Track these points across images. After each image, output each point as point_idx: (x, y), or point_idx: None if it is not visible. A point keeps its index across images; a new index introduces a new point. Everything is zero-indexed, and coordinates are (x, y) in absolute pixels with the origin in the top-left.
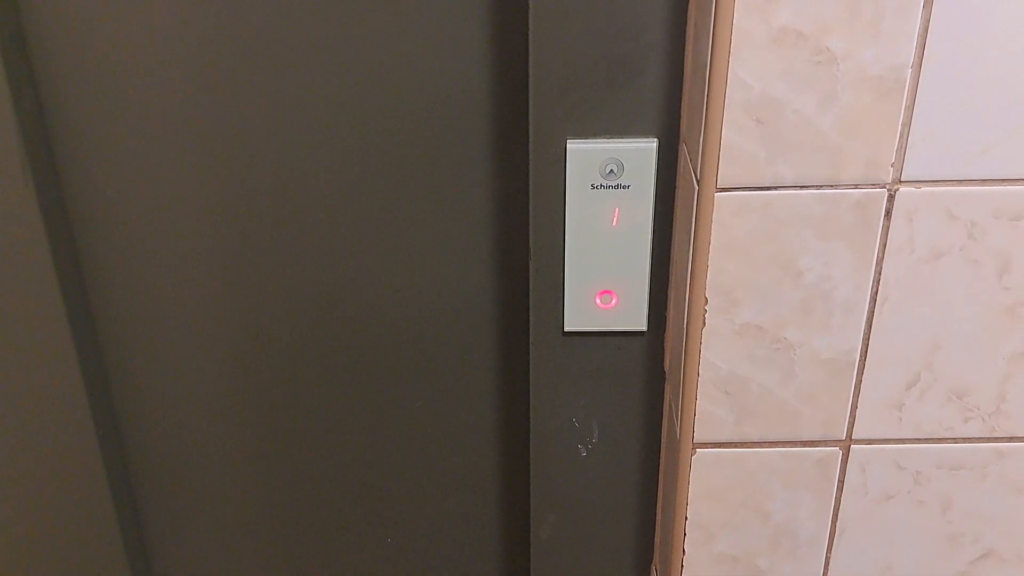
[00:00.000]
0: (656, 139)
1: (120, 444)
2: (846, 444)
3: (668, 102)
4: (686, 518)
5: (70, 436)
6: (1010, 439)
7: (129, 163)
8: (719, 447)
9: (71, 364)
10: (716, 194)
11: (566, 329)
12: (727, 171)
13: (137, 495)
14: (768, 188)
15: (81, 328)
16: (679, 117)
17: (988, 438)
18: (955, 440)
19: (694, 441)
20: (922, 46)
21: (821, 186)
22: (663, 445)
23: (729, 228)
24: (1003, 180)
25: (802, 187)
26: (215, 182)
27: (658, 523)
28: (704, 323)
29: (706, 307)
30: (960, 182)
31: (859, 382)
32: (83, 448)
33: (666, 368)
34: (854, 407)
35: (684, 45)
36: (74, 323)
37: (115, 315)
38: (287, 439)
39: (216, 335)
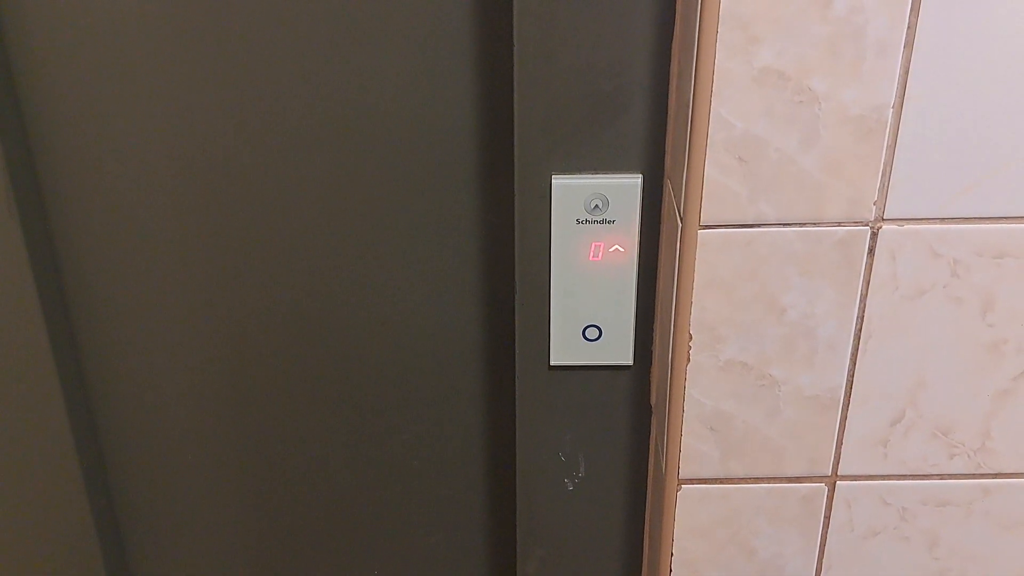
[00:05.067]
0: (641, 175)
1: (101, 464)
2: (832, 480)
3: (653, 138)
4: (672, 555)
5: (47, 441)
6: (996, 475)
7: (111, 175)
8: (704, 483)
9: (48, 367)
10: (699, 231)
11: (552, 363)
12: (710, 209)
13: (117, 517)
14: (751, 226)
15: (58, 334)
16: (664, 153)
17: (974, 475)
18: (941, 476)
19: (679, 477)
20: (903, 86)
21: (804, 224)
22: (649, 480)
23: (712, 265)
24: (985, 218)
25: (785, 225)
26: (199, 214)
27: (645, 559)
28: (688, 359)
29: (690, 343)
30: (943, 220)
31: (844, 418)
32: (60, 456)
33: (652, 403)
34: (839, 443)
35: (668, 82)
36: (51, 328)
37: (93, 324)
38: (269, 476)
39: (196, 367)
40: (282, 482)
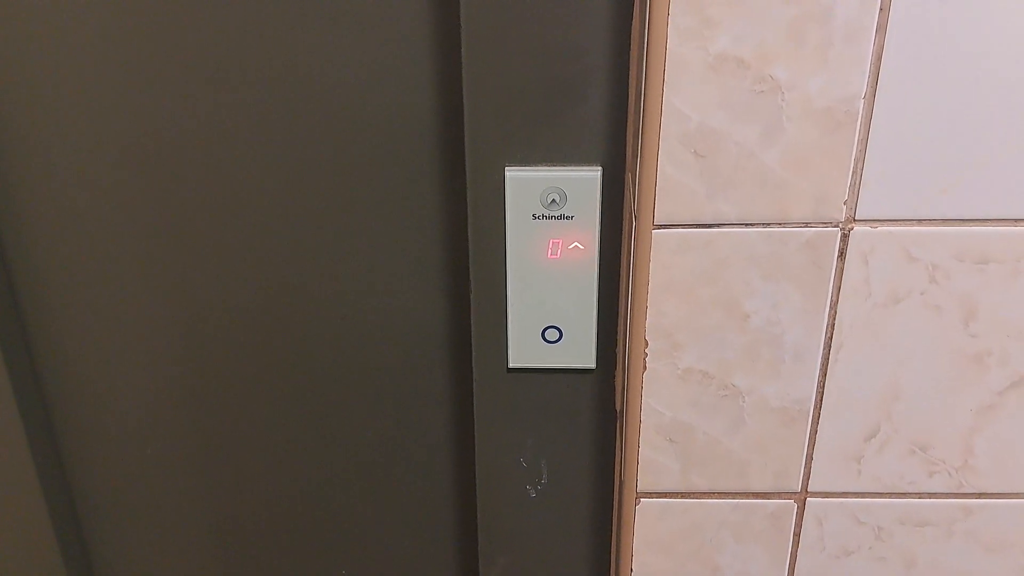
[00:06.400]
0: (600, 167)
1: (62, 479)
2: (801, 497)
3: (613, 128)
4: (632, 570)
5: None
6: (979, 495)
7: (63, 165)
8: (664, 497)
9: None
10: (653, 231)
11: (510, 365)
12: (664, 207)
13: (82, 533)
14: (709, 225)
15: (8, 330)
16: (625, 144)
17: (955, 494)
18: (919, 495)
19: (638, 490)
20: (875, 75)
21: (768, 224)
22: (616, 485)
23: (668, 267)
24: (967, 220)
25: (746, 225)
26: (153, 205)
27: (612, 568)
28: (645, 367)
29: (646, 350)
30: (920, 221)
31: (814, 432)
32: (13, 457)
33: (617, 408)
34: (809, 458)
35: (628, 68)
36: (1, 324)
37: (46, 320)
38: (231, 473)
39: (153, 365)
40: (242, 484)
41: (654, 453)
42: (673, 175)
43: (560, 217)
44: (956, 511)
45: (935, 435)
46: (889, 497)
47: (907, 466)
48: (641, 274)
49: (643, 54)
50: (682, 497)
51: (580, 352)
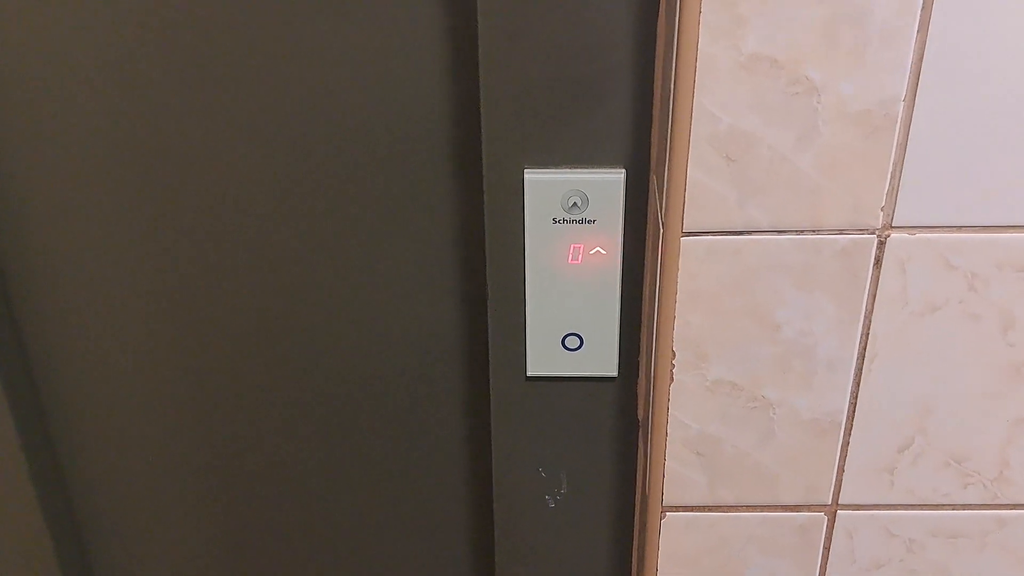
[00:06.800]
0: (624, 169)
1: (65, 499)
2: (832, 510)
3: (637, 128)
4: None
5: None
6: (1014, 507)
7: (57, 160)
8: (690, 511)
9: None
10: (682, 238)
11: (529, 374)
12: (693, 214)
13: (83, 545)
14: (740, 232)
15: (3, 335)
16: (649, 145)
17: (989, 505)
18: (953, 507)
19: (663, 504)
20: (916, 77)
21: (801, 231)
22: (637, 498)
23: (696, 276)
24: (1008, 227)
25: (779, 232)
26: (155, 208)
27: None
28: (672, 378)
29: (673, 361)
30: (959, 228)
31: (846, 444)
32: (7, 464)
33: (639, 417)
34: (840, 470)
35: (654, 65)
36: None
37: (43, 325)
38: (238, 484)
39: (158, 373)
40: (249, 494)
41: (680, 466)
42: (703, 180)
43: (582, 221)
44: (990, 523)
45: (970, 446)
46: (922, 509)
47: (941, 478)
48: (668, 283)
49: (670, 51)
50: (708, 511)
51: (601, 360)
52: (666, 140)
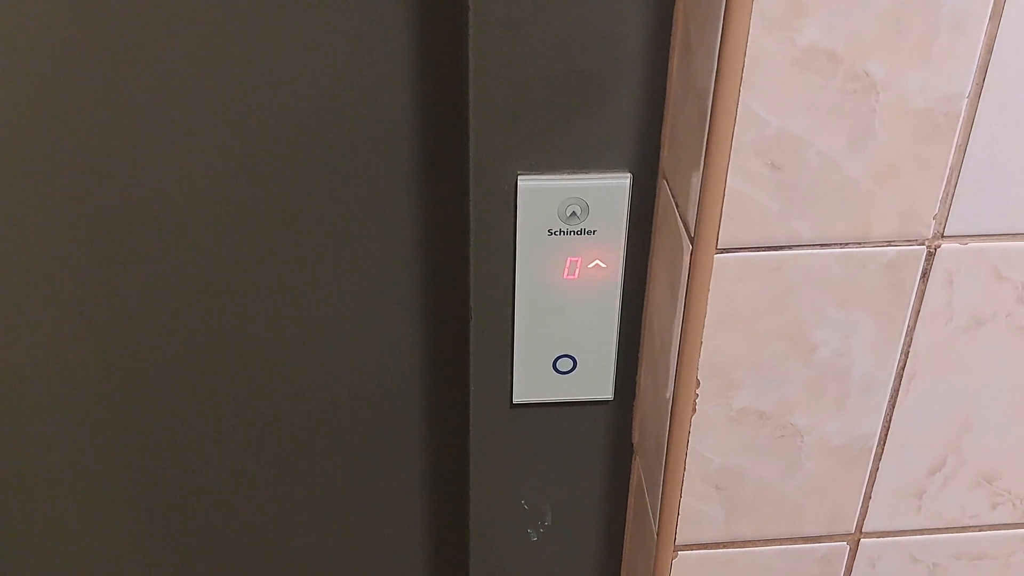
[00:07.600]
0: (629, 174)
1: None
2: (855, 539)
3: (645, 129)
4: None
5: None
6: None
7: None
8: (705, 548)
9: None
10: (716, 256)
11: (515, 401)
12: (731, 228)
13: None
14: (780, 248)
15: None
16: (659, 147)
17: (1017, 524)
18: (980, 528)
19: (676, 543)
20: (983, 72)
21: (846, 244)
22: (628, 527)
23: (730, 297)
24: None
25: (823, 246)
26: (87, 207)
27: None
28: (694, 410)
29: (697, 391)
30: (1014, 236)
31: (875, 469)
32: None
33: (634, 441)
34: (867, 497)
35: (668, 58)
36: None
37: None
38: (192, 529)
39: (84, 398)
40: (196, 531)
41: (698, 503)
42: (743, 191)
43: (581, 232)
44: (1015, 543)
45: (1003, 465)
46: (948, 532)
47: (971, 499)
48: (697, 306)
49: (695, 45)
50: (724, 547)
51: (596, 382)
52: (698, 147)
